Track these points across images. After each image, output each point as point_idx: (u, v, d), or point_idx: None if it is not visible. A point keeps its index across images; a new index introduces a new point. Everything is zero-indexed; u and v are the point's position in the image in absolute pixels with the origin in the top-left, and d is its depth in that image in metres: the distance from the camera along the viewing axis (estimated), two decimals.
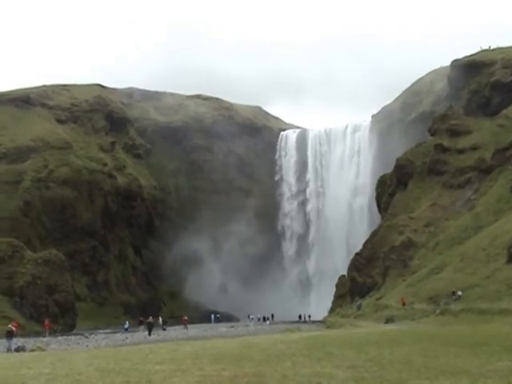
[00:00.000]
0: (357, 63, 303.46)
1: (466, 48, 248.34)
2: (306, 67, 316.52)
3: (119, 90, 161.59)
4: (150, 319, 68.85)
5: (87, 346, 51.25)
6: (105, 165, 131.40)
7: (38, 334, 72.25)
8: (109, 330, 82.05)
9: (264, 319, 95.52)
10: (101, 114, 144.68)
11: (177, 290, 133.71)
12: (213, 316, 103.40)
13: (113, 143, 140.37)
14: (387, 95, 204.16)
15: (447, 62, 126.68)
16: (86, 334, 70.21)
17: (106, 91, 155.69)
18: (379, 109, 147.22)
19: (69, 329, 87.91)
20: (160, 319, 79.67)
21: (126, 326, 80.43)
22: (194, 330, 73.87)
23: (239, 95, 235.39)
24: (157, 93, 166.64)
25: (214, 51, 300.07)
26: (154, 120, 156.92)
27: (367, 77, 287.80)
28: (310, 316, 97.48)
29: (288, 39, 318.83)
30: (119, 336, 66.14)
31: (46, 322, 74.32)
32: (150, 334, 63.57)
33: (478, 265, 56.28)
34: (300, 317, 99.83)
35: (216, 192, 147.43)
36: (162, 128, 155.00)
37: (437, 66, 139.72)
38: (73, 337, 68.07)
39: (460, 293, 49.69)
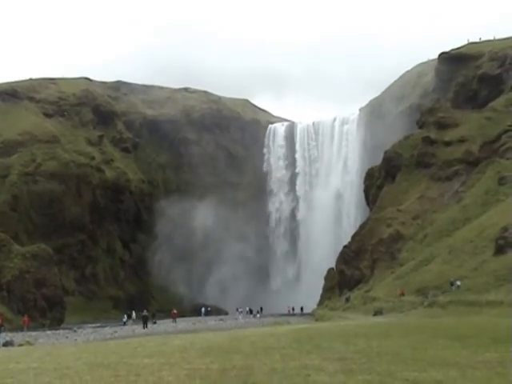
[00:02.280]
0: (344, 59, 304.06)
1: (454, 41, 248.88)
2: (294, 62, 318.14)
3: (107, 84, 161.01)
4: (145, 312, 69.65)
5: (76, 340, 51.12)
6: (93, 158, 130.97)
7: (26, 328, 71.99)
8: (97, 324, 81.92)
9: (252, 312, 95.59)
10: (88, 107, 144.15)
11: (165, 284, 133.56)
12: (203, 309, 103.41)
13: (100, 137, 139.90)
14: (375, 90, 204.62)
15: (435, 55, 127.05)
16: (75, 328, 70.07)
17: (94, 85, 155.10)
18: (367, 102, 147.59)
19: (57, 323, 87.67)
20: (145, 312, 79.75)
21: (124, 320, 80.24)
22: (183, 323, 73.87)
23: (226, 89, 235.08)
24: (144, 86, 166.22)
25: (201, 45, 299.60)
26: (142, 113, 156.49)
27: (354, 72, 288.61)
28: (302, 308, 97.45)
29: (276, 35, 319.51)
30: (108, 330, 66.07)
31: (25, 318, 74.06)
32: (144, 327, 64.19)
33: (466, 257, 56.55)
34: (293, 309, 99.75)
35: (204, 185, 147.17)
36: (150, 121, 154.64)
37: (424, 59, 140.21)
38: (61, 331, 67.90)
39: (459, 282, 49.29)
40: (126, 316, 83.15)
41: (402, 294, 56.37)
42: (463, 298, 43.50)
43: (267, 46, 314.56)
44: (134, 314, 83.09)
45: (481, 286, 46.84)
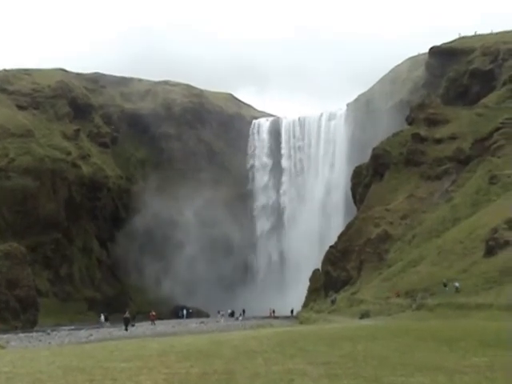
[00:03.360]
0: (329, 53, 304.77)
1: (445, 35, 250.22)
2: (277, 56, 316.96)
3: (84, 75, 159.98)
4: (127, 314, 69.97)
5: (49, 343, 50.97)
6: (68, 153, 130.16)
7: None
8: (72, 327, 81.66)
9: (234, 315, 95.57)
10: (64, 100, 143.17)
11: (144, 285, 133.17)
12: (184, 311, 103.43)
13: (77, 131, 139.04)
14: (362, 85, 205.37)
15: (425, 49, 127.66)
16: (48, 331, 69.82)
17: (70, 76, 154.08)
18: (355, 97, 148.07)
19: (30, 325, 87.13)
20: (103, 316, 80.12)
21: (101, 319, 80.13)
22: (162, 326, 73.87)
23: (207, 82, 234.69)
24: (123, 78, 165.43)
25: (182, 37, 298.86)
26: (121, 107, 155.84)
27: (340, 67, 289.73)
28: (292, 311, 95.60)
29: (258, 27, 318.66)
30: (83, 333, 65.87)
31: None
32: (126, 329, 64.39)
33: (455, 258, 56.88)
34: (274, 311, 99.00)
35: (185, 182, 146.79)
36: (129, 115, 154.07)
37: (415, 53, 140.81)
38: (34, 334, 67.58)
39: (457, 284, 48.47)
40: (103, 316, 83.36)
41: (398, 296, 56.11)
42: (452, 301, 43.81)
43: (249, 38, 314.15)
44: (102, 317, 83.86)
45: (470, 288, 47.15)
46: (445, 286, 49.89)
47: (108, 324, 78.67)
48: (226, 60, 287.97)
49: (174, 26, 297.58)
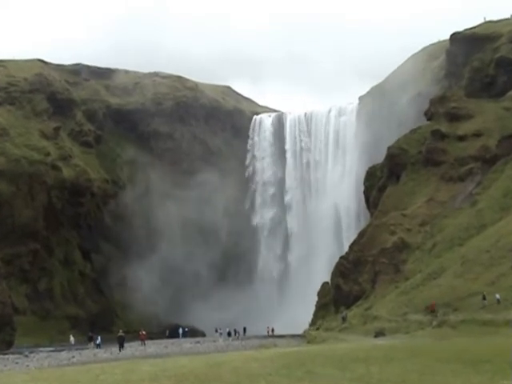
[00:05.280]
0: (331, 43, 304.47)
1: (468, 19, 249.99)
2: (280, 47, 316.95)
3: (64, 67, 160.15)
4: (121, 333, 70.59)
5: (27, 366, 50.92)
6: (47, 154, 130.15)
7: None
8: (53, 348, 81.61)
9: (235, 333, 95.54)
10: (43, 94, 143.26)
11: (132, 301, 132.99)
12: (180, 330, 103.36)
13: (57, 129, 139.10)
14: (374, 77, 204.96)
15: (446, 36, 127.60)
16: (26, 353, 69.70)
17: (49, 68, 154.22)
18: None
19: (6, 346, 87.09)
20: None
21: (97, 342, 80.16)
22: (153, 346, 73.81)
23: (201, 75, 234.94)
24: (108, 70, 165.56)
25: (172, 26, 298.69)
26: (106, 102, 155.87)
27: (346, 57, 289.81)
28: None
29: (256, 17, 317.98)
30: (65, 354, 65.79)
31: None
32: (120, 350, 64.89)
33: (481, 269, 56.86)
34: (273, 330, 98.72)
35: (178, 186, 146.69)
36: (115, 111, 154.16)
37: (434, 40, 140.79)
38: (11, 356, 67.51)
39: (498, 296, 48.02)
40: (72, 337, 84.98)
41: (433, 310, 54.33)
42: (477, 317, 43.83)
43: (243, 28, 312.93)
44: (71, 338, 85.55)
45: (487, 303, 47.18)
46: (484, 298, 49.17)
47: (93, 345, 78.59)
48: (218, 51, 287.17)
49: (164, 14, 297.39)
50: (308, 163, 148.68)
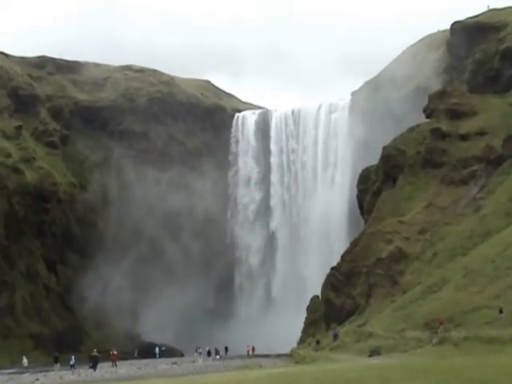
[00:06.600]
0: (318, 35, 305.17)
1: (471, 7, 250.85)
2: (265, 40, 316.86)
3: (27, 60, 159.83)
4: (95, 352, 70.68)
5: None
6: (8, 156, 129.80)
7: None
8: (14, 370, 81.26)
9: (216, 353, 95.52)
10: (3, 90, 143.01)
11: (102, 317, 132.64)
12: (157, 349, 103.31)
13: (18, 128, 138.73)
14: (368, 71, 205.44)
15: (446, 25, 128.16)
16: None
17: (10, 61, 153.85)
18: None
19: None
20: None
21: (72, 362, 79.83)
22: (125, 367, 73.63)
23: (177, 69, 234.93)
24: (76, 63, 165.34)
25: (146, 16, 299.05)
26: (73, 98, 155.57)
27: (341, 54, 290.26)
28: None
29: (234, 9, 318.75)
30: (27, 377, 65.48)
31: None
32: (94, 370, 65.13)
33: (486, 281, 56.92)
34: (254, 349, 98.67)
35: (153, 191, 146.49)
36: (83, 108, 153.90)
37: (433, 30, 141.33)
38: None
39: None
40: (25, 359, 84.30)
41: (441, 324, 52.69)
42: (482, 334, 43.80)
43: (220, 19, 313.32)
44: (25, 359, 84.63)
45: (504, 317, 47.20)
46: (500, 312, 49.02)
47: (59, 366, 78.25)
48: (196, 44, 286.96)
49: (137, 5, 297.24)
50: (295, 164, 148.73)
